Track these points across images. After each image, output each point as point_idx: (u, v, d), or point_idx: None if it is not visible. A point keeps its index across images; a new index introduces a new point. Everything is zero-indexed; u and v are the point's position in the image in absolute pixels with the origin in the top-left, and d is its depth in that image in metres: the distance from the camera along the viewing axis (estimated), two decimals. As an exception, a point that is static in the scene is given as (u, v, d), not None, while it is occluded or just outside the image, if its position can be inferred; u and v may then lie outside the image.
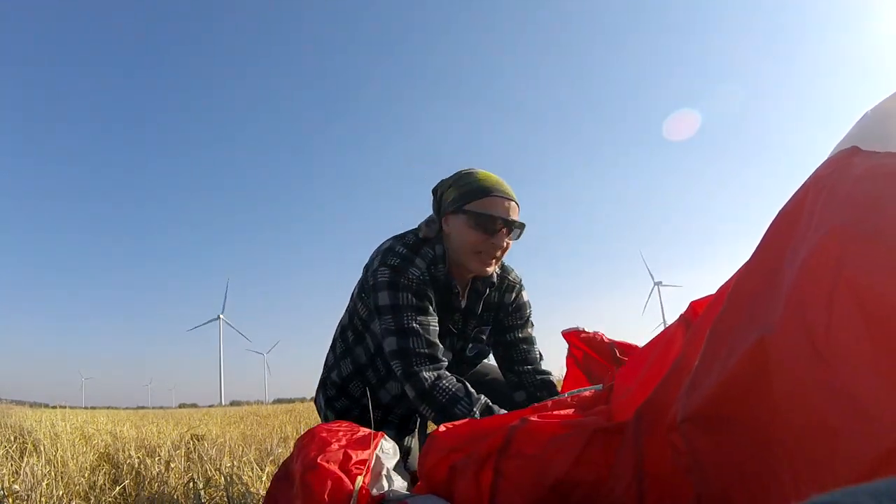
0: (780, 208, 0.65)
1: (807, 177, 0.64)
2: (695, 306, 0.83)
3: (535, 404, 0.97)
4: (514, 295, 1.60)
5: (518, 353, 1.60)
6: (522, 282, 1.63)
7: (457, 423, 0.91)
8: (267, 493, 1.01)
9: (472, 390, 1.30)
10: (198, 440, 2.95)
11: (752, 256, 0.64)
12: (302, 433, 1.03)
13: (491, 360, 1.70)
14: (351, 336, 1.58)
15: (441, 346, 1.37)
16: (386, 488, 0.91)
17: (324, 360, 1.71)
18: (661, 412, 0.68)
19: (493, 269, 1.44)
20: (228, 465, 1.92)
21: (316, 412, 1.82)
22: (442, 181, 1.48)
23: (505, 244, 1.40)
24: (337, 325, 1.67)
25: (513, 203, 1.40)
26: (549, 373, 1.61)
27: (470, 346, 1.56)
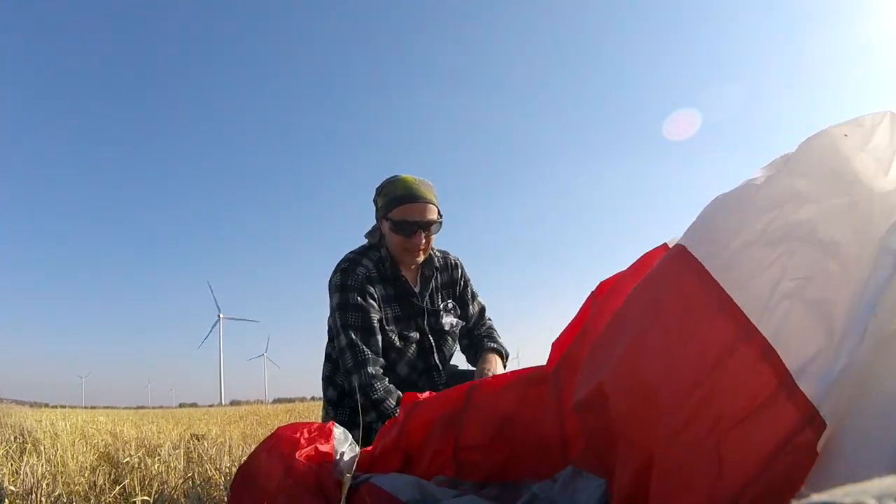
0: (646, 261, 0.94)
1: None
2: (602, 286, 1.04)
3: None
4: (459, 271, 1.93)
5: (479, 319, 1.97)
6: (460, 260, 1.97)
7: (428, 396, 1.14)
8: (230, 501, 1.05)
9: (398, 393, 1.58)
10: (198, 440, 2.95)
11: (629, 292, 0.88)
12: (264, 438, 1.12)
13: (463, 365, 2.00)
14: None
15: (378, 342, 1.65)
16: (343, 471, 1.03)
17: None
18: (571, 366, 0.96)
19: (421, 258, 1.74)
20: (228, 464, 1.92)
21: (317, 411, 1.84)
22: (376, 189, 1.74)
23: (424, 240, 1.67)
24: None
25: (428, 205, 1.66)
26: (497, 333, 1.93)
27: (444, 318, 1.84)
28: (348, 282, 1.65)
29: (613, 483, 0.77)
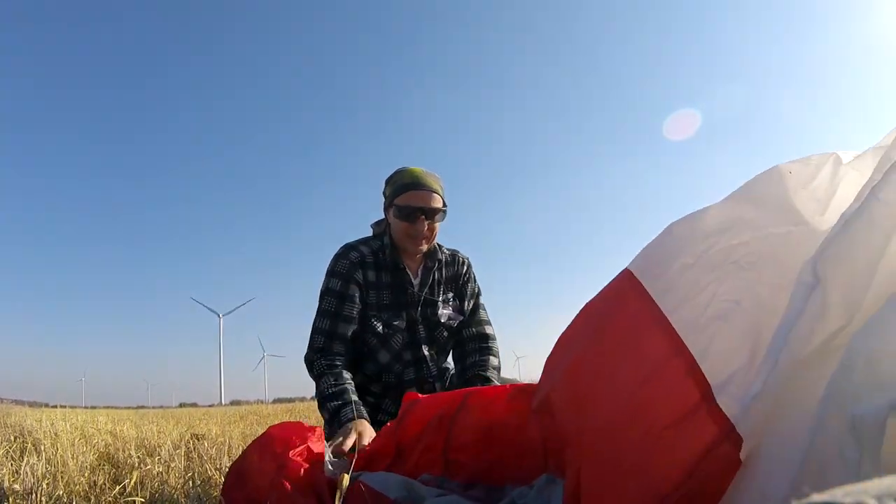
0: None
1: None
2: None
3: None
4: (465, 268, 1.92)
5: (471, 317, 1.92)
6: (469, 260, 1.96)
7: (427, 395, 1.19)
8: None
9: (340, 370, 1.60)
10: (198, 440, 2.95)
11: (582, 315, 0.95)
12: (256, 437, 1.14)
13: None
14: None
15: (346, 330, 1.66)
16: (331, 469, 1.07)
17: None
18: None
19: (425, 247, 1.75)
20: (228, 464, 1.92)
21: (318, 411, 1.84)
22: (385, 181, 1.77)
23: (427, 227, 1.69)
24: None
25: (432, 193, 1.68)
26: (489, 336, 1.88)
27: (440, 311, 1.83)
28: (336, 267, 1.71)
29: (565, 483, 0.85)
